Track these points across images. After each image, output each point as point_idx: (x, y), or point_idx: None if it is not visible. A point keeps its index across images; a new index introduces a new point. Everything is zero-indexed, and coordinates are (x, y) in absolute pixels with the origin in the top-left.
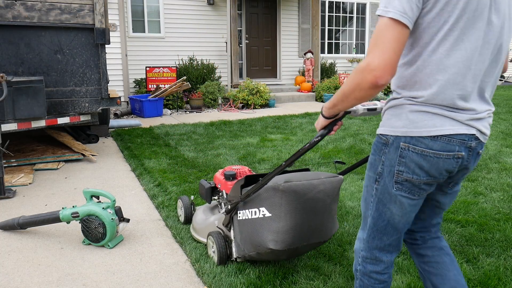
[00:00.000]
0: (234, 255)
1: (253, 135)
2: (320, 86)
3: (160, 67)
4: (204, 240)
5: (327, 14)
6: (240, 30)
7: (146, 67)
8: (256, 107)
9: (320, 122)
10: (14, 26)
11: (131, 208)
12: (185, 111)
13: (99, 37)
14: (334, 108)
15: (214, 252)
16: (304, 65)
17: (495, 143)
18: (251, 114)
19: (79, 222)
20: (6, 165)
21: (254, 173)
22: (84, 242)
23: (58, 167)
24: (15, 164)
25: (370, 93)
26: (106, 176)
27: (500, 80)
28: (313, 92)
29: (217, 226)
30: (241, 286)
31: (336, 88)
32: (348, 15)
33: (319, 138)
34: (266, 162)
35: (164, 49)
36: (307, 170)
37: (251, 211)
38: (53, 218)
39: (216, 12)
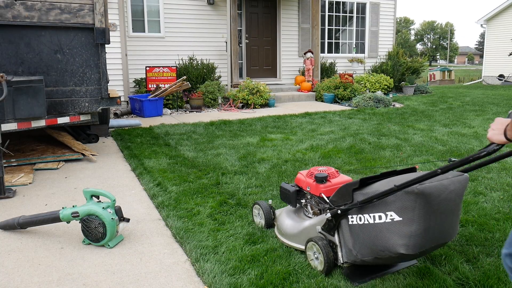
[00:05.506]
0: (341, 260)
1: (253, 135)
2: (320, 86)
3: (160, 66)
4: (298, 246)
5: (327, 13)
6: (240, 30)
7: (146, 66)
8: (256, 106)
9: (501, 141)
10: (14, 25)
11: (131, 208)
12: (185, 111)
13: (99, 37)
14: None
15: (317, 258)
16: (304, 65)
17: None
18: (251, 113)
19: (79, 222)
20: (6, 165)
21: (340, 173)
22: (84, 241)
23: (58, 166)
24: (15, 164)
25: None
26: (106, 176)
27: (500, 79)
28: (313, 91)
29: (319, 232)
30: (241, 286)
31: (336, 87)
32: (348, 14)
33: (499, 147)
34: (266, 162)
35: (164, 48)
36: (414, 169)
37: (374, 216)
38: (53, 218)
39: (216, 12)
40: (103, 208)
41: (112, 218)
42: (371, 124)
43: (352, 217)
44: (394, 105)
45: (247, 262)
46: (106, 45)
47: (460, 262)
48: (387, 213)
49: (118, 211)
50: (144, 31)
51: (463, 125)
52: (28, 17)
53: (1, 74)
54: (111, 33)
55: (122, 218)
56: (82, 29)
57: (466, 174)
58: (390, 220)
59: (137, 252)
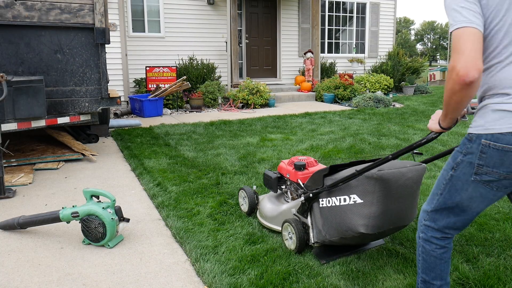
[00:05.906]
0: (312, 240)
1: (253, 135)
2: (320, 86)
3: (160, 66)
4: (276, 227)
5: (327, 13)
6: (240, 30)
7: (146, 66)
8: (256, 106)
9: (436, 129)
10: (14, 25)
11: (131, 208)
12: (185, 111)
13: (99, 37)
14: (446, 117)
15: (291, 238)
16: (304, 65)
17: None
18: (251, 113)
19: (79, 222)
20: (6, 165)
21: (319, 163)
22: (84, 241)
23: (58, 166)
24: (15, 164)
25: (464, 93)
26: (106, 176)
27: None
28: (313, 91)
29: (294, 214)
30: (241, 286)
31: (336, 87)
32: (348, 14)
33: (437, 135)
34: (266, 162)
35: (164, 48)
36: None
37: (339, 199)
38: (53, 218)
39: (216, 12)
40: (103, 208)
41: (112, 218)
42: (371, 124)
43: (322, 200)
44: (394, 105)
45: (247, 262)
46: (106, 45)
47: (460, 262)
48: (350, 196)
49: (118, 211)
50: (144, 31)
51: (463, 125)
52: (28, 17)
53: (1, 74)
54: (111, 33)
55: (122, 218)
56: (82, 29)
57: (424, 164)
58: (353, 202)
59: (137, 252)
